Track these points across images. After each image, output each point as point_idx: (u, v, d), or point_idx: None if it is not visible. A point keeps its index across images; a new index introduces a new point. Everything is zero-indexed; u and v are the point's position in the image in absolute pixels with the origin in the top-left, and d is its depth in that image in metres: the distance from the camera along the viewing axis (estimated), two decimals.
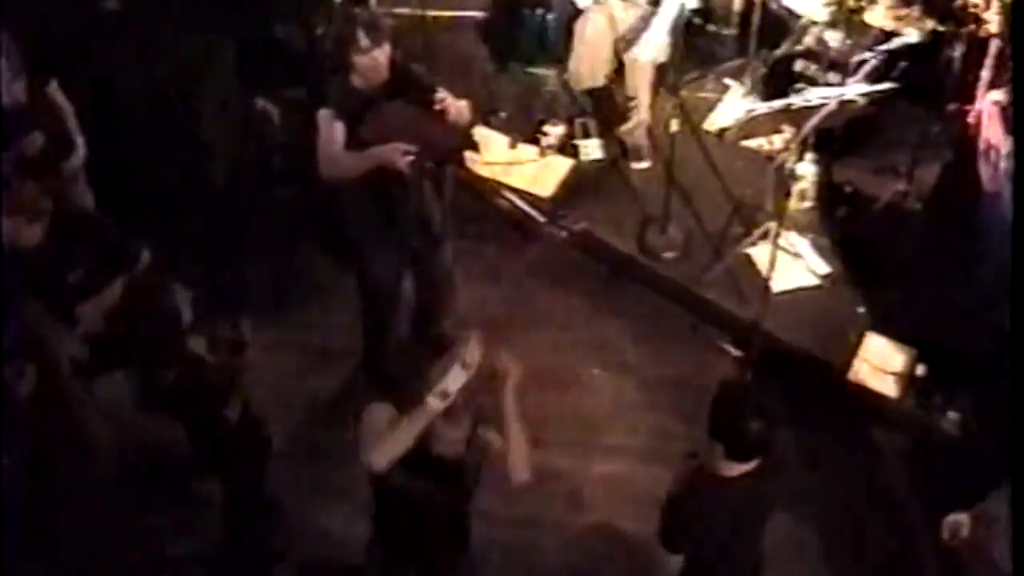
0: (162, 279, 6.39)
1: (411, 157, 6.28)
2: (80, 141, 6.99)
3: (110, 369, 6.16)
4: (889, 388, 7.11)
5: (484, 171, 8.34)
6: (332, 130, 6.35)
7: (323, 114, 6.38)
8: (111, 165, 7.39)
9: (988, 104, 6.93)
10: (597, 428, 7.28)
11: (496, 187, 8.39)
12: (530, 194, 8.36)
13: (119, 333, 6.04)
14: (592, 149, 8.59)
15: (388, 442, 4.73)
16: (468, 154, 7.21)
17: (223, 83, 8.24)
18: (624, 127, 8.48)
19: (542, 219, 8.24)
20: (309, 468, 6.95)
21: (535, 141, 8.62)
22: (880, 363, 7.16)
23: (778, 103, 7.23)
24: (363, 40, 6.26)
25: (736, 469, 4.72)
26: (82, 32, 7.84)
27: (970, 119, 7.19)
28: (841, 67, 7.91)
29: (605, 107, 8.81)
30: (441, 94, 6.46)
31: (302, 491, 6.84)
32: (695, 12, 9.02)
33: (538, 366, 6.96)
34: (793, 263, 7.70)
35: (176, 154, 8.00)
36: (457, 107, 6.52)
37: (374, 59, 6.31)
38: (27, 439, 5.62)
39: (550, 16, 8.63)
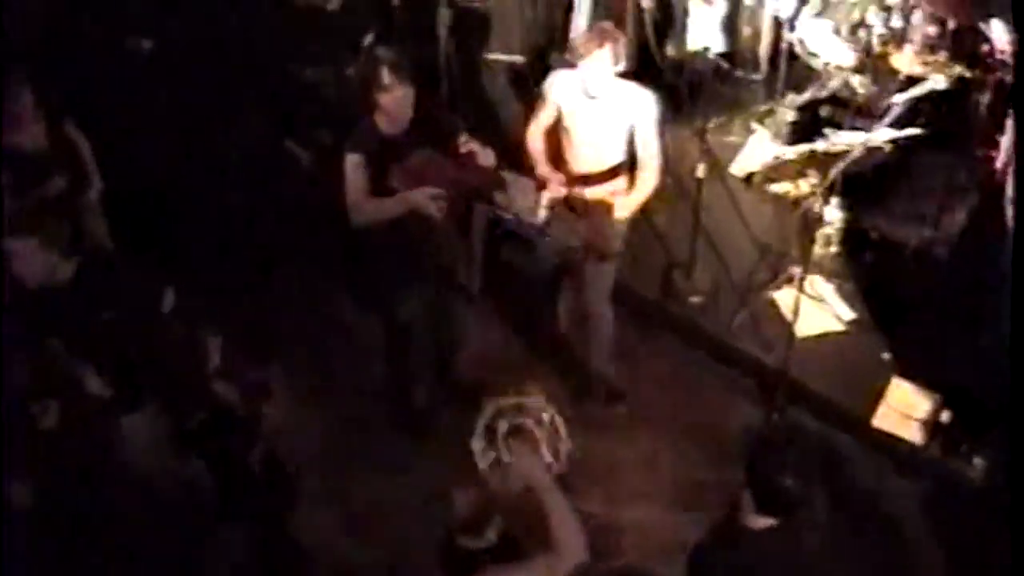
0: (188, 321, 6.42)
1: (441, 202, 6.32)
2: (96, 177, 7.05)
3: (135, 409, 6.18)
4: (914, 434, 7.08)
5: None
6: (359, 176, 6.38)
7: (351, 159, 6.40)
8: (138, 206, 7.45)
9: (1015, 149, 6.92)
10: (624, 473, 7.26)
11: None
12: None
13: (144, 374, 6.07)
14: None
15: None
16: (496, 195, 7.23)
17: (252, 125, 8.29)
18: None
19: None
20: (334, 511, 6.96)
21: None
22: (905, 409, 7.13)
23: (804, 148, 7.24)
24: (387, 78, 6.29)
25: (766, 523, 4.68)
26: (115, 72, 7.92)
27: (997, 165, 7.19)
28: (868, 112, 7.92)
29: None
30: (465, 138, 6.49)
31: (327, 533, 6.84)
32: (722, 56, 9.06)
33: (562, 411, 6.98)
34: (818, 308, 7.68)
35: (205, 196, 8.05)
36: (483, 151, 6.56)
37: (398, 98, 6.33)
38: (50, 474, 5.65)
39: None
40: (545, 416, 4.82)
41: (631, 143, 6.98)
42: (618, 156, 7.03)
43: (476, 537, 4.77)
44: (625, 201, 7.04)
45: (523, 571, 4.80)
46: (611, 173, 7.06)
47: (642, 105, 6.89)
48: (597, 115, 6.88)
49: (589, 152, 7.04)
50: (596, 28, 6.99)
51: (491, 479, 4.74)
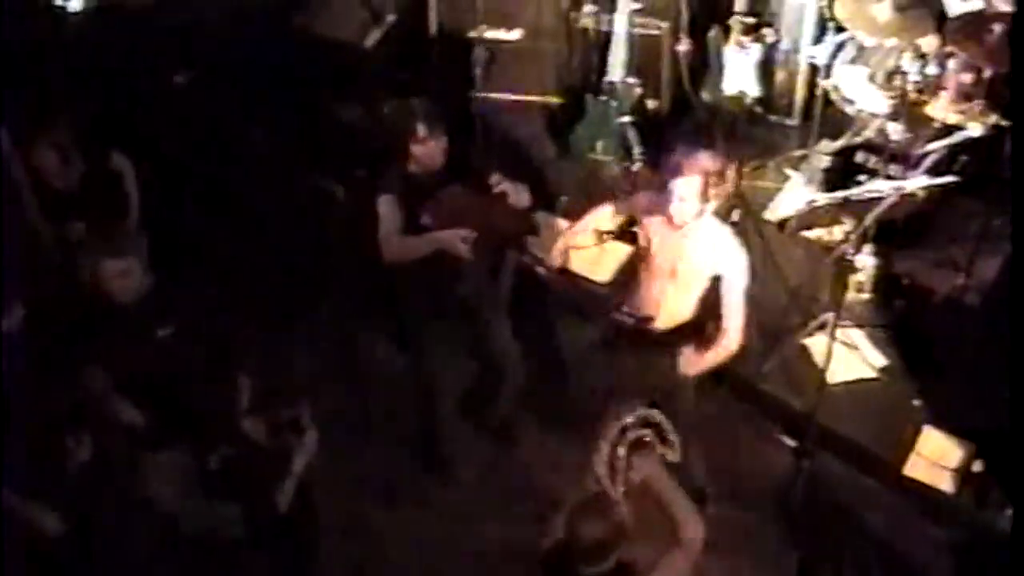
0: (220, 357, 6.45)
1: (470, 243, 6.36)
2: (136, 208, 7.11)
3: (166, 444, 6.19)
4: (946, 483, 7.04)
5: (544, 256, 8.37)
6: (393, 214, 6.45)
7: (384, 199, 6.48)
8: (171, 241, 7.49)
9: None
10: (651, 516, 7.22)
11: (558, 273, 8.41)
12: (588, 279, 8.37)
13: (176, 408, 6.09)
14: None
15: None
16: (529, 238, 7.24)
17: (287, 161, 8.34)
18: None
19: (607, 305, 8.22)
20: (360, 548, 6.95)
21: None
22: (937, 458, 7.09)
23: (839, 194, 7.22)
24: (421, 130, 6.38)
25: None
26: (150, 105, 7.98)
27: None
28: (902, 159, 7.90)
29: None
30: (496, 177, 6.53)
31: (352, 572, 6.82)
32: (756, 101, 9.07)
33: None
34: (850, 355, 7.65)
35: (239, 231, 8.09)
36: (515, 190, 6.59)
37: (431, 149, 6.44)
38: (83, 505, 5.67)
39: (612, 103, 8.67)
40: (658, 418, 5.27)
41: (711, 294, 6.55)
42: (689, 305, 6.61)
43: (600, 564, 4.99)
44: (695, 359, 6.66)
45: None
46: (684, 327, 6.65)
47: (732, 260, 6.40)
48: (678, 248, 6.44)
49: (661, 285, 6.56)
50: (690, 152, 6.28)
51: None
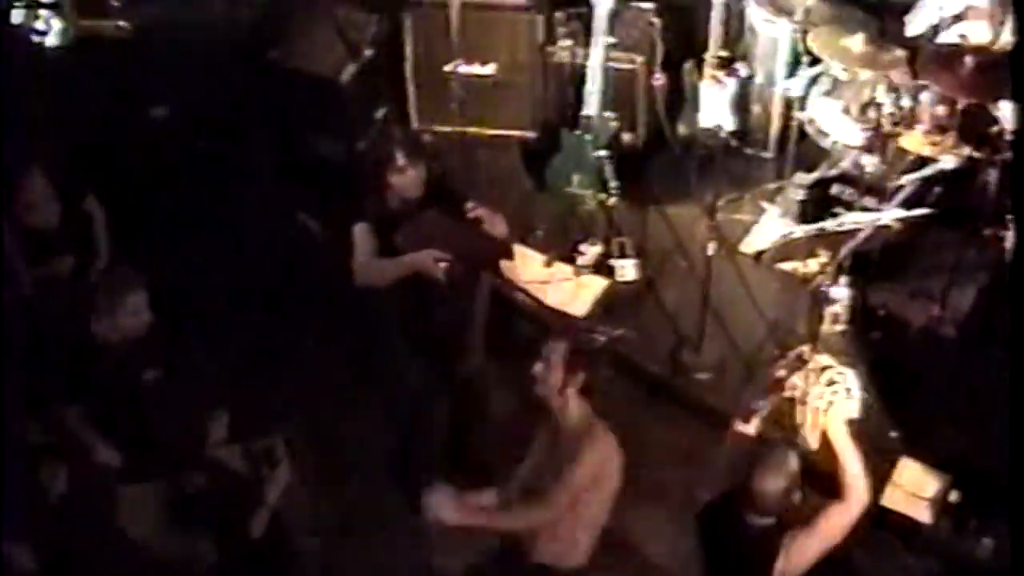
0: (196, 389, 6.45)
1: (445, 264, 6.37)
2: (105, 251, 7.10)
3: (141, 478, 6.17)
4: (923, 514, 7.05)
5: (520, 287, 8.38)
6: (367, 241, 6.49)
7: (360, 227, 6.52)
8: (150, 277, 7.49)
9: None
10: (634, 548, 7.22)
11: (533, 303, 8.42)
12: (564, 313, 8.38)
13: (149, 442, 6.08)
14: (627, 270, 8.60)
15: None
16: (504, 263, 7.24)
17: (263, 195, 8.34)
18: None
19: (579, 326, 8.24)
20: None
21: (571, 260, 8.65)
22: (914, 489, 7.10)
23: (814, 227, 7.25)
24: (401, 160, 6.41)
25: None
26: (126, 139, 7.99)
27: (1006, 244, 7.19)
28: (877, 191, 7.94)
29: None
30: (472, 204, 6.56)
31: None
32: (732, 134, 9.10)
33: None
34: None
35: (215, 266, 8.08)
36: (491, 217, 6.61)
37: (410, 178, 6.48)
38: (57, 539, 5.65)
39: (588, 137, 8.70)
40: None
41: None
42: None
43: (770, 513, 5.45)
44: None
45: (822, 526, 5.47)
46: None
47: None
48: None
49: None
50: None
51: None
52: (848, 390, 6.14)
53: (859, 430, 5.87)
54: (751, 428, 5.90)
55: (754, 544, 5.50)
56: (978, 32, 7.91)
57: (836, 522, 5.51)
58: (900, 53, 7.96)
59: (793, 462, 5.49)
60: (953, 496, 7.02)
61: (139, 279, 6.16)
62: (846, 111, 8.21)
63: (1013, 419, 5.14)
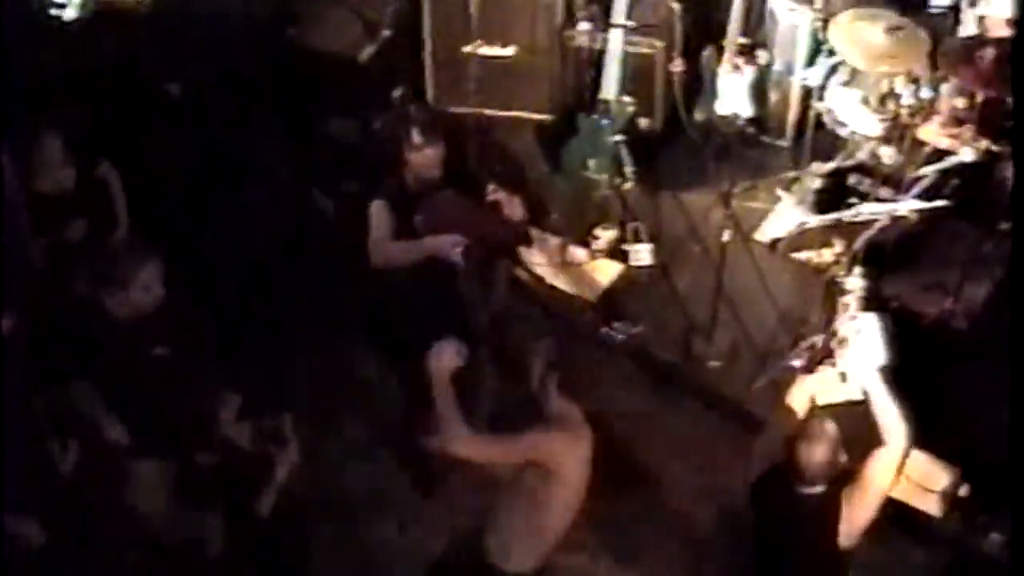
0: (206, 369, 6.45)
1: (463, 249, 6.34)
2: (124, 219, 7.09)
3: (152, 456, 6.17)
4: (932, 507, 7.03)
5: (535, 271, 8.37)
6: (383, 220, 6.44)
7: (376, 204, 6.48)
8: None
9: None
10: (635, 535, 7.21)
11: (548, 288, 8.40)
12: (577, 297, 8.37)
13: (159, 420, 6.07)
14: (642, 255, 8.59)
15: None
16: (522, 249, 7.22)
17: (278, 173, 8.33)
18: None
19: (597, 322, 8.23)
20: (346, 565, 6.92)
21: (585, 244, 8.64)
22: (923, 481, 7.07)
23: (830, 217, 7.24)
24: (417, 138, 6.37)
25: None
26: (141, 116, 7.97)
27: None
28: (894, 183, 7.92)
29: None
30: (492, 187, 6.53)
31: None
32: (749, 121, 9.08)
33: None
34: (838, 378, 7.64)
35: (229, 243, 8.07)
36: (510, 201, 6.58)
37: (427, 157, 6.43)
38: (70, 513, 5.65)
39: (605, 121, 8.68)
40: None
41: None
42: None
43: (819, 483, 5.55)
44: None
45: (871, 476, 5.55)
46: None
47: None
48: None
49: None
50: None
51: None
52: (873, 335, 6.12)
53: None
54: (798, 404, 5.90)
55: (810, 514, 5.58)
56: (1001, 7, 7.88)
57: (883, 467, 5.55)
58: (922, 40, 7.90)
59: (831, 429, 5.58)
60: (963, 490, 7.00)
61: (153, 253, 6.14)
62: (864, 101, 8.18)
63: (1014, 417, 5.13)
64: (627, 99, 8.79)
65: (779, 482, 5.65)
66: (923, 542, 7.05)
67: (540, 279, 8.34)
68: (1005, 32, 7.85)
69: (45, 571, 5.61)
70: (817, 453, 5.50)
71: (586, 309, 8.27)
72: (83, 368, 5.99)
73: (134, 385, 6.02)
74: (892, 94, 7.99)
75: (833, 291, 7.32)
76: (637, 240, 8.65)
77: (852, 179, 8.24)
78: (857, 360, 6.04)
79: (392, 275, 6.64)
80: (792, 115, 9.11)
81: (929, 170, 7.90)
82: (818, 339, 7.15)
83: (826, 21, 8.35)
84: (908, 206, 7.22)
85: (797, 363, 7.06)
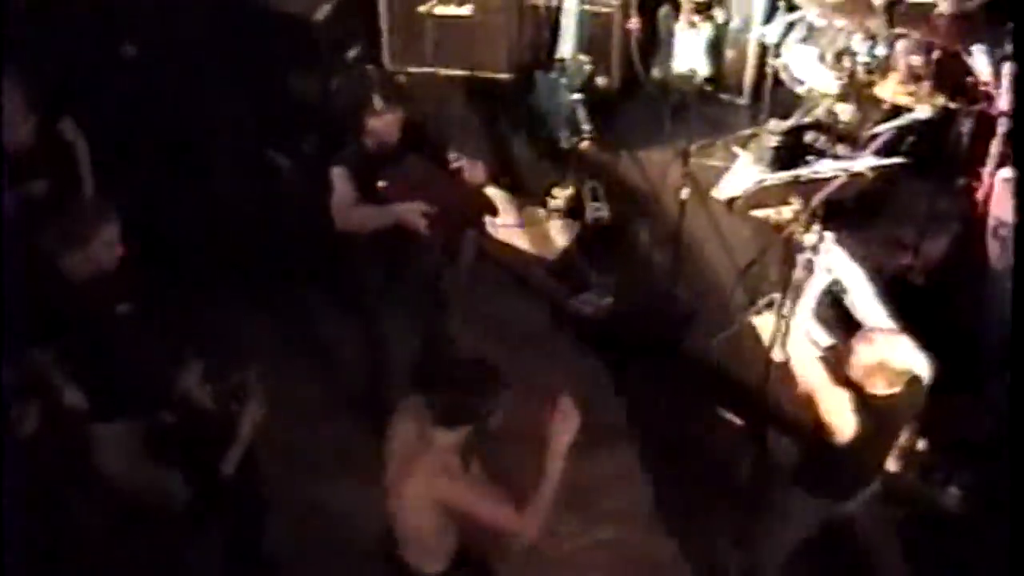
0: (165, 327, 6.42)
1: (429, 218, 6.32)
2: (89, 179, 7.02)
3: (113, 417, 6.14)
4: (889, 463, 7.08)
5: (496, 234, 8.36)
6: (345, 185, 6.40)
7: (337, 171, 6.44)
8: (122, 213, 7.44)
9: (998, 180, 6.95)
10: (597, 493, 7.23)
11: (513, 254, 8.40)
12: (536, 256, 8.38)
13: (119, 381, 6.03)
14: (599, 213, 8.59)
15: None
16: (487, 218, 7.20)
17: (235, 133, 8.28)
18: None
19: (564, 292, 8.22)
20: (308, 524, 6.93)
21: (543, 203, 8.64)
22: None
23: (787, 174, 7.25)
24: (378, 103, 6.34)
25: None
26: (98, 77, 7.90)
27: (978, 195, 7.21)
28: (851, 139, 7.96)
29: None
30: (455, 154, 6.51)
31: (301, 548, 6.80)
32: (706, 79, 9.09)
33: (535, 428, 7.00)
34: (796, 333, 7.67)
35: (187, 203, 8.03)
36: (472, 166, 6.57)
37: (387, 123, 6.40)
38: (30, 478, 5.62)
39: (562, 80, 8.67)
40: None
41: None
42: None
43: None
44: None
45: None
46: None
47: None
48: None
49: None
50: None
51: None
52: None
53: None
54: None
55: None
56: None
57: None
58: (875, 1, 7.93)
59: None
60: (920, 444, 7.05)
61: (112, 210, 6.09)
62: (821, 59, 8.22)
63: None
64: (584, 58, 8.81)
65: None
66: (881, 496, 7.09)
67: (500, 241, 8.34)
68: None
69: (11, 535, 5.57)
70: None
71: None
72: (43, 331, 5.94)
73: (96, 345, 5.97)
74: (849, 51, 8.01)
75: (791, 248, 7.34)
76: (595, 199, 8.65)
77: (809, 136, 8.28)
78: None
79: (354, 238, 6.61)
80: (749, 72, 9.13)
81: (886, 127, 7.93)
82: (776, 295, 7.18)
83: None
84: (866, 163, 7.24)
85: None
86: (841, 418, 5.53)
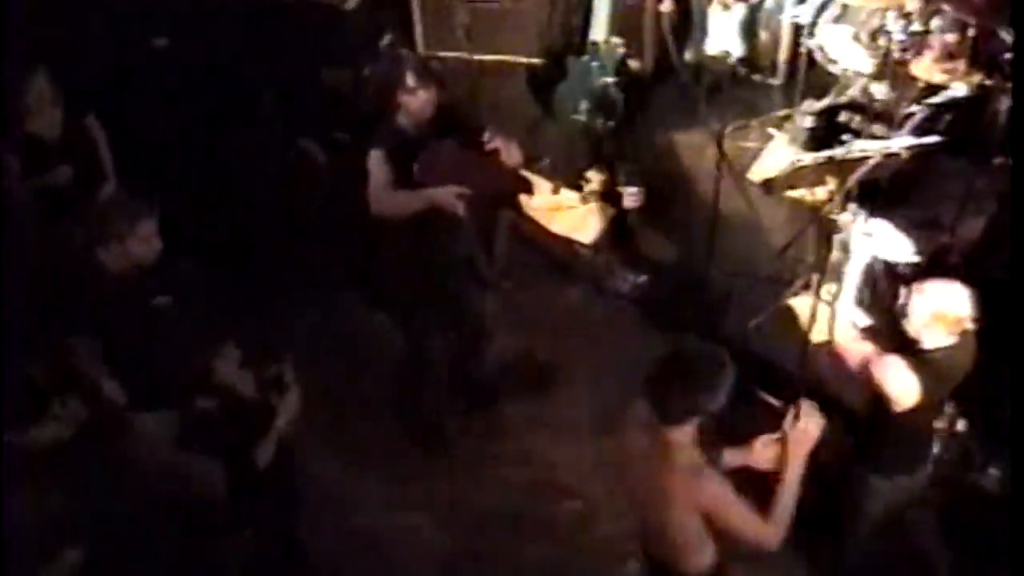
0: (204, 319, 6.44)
1: (466, 201, 6.31)
2: (111, 172, 7.06)
3: (153, 407, 6.16)
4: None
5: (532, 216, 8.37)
6: (382, 170, 6.38)
7: (374, 155, 6.41)
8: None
9: None
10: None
11: (549, 236, 8.40)
12: (571, 240, 8.37)
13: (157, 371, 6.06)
14: (634, 197, 8.57)
15: None
16: (522, 198, 7.19)
17: (268, 125, 8.29)
18: None
19: (603, 271, 8.23)
20: (342, 517, 6.95)
21: (578, 187, 8.63)
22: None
23: (822, 154, 7.22)
24: (411, 80, 6.32)
25: None
26: (130, 68, 7.92)
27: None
28: (886, 119, 7.91)
29: None
30: (489, 134, 6.49)
31: (334, 541, 6.82)
32: (740, 61, 9.06)
33: (579, 416, 7.02)
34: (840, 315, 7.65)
35: (221, 194, 8.05)
36: (508, 148, 6.55)
37: (421, 99, 6.37)
38: (73, 469, 5.65)
39: (595, 64, 8.65)
40: None
41: None
42: None
43: None
44: None
45: None
46: None
47: None
48: None
49: None
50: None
51: None
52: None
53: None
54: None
55: None
56: None
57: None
58: None
59: None
60: (960, 426, 7.02)
61: (149, 205, 6.12)
62: (856, 38, 8.18)
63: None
64: (617, 41, 8.76)
65: None
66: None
67: (538, 224, 8.33)
68: None
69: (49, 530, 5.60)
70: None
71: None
72: (81, 324, 5.97)
73: (134, 337, 6.00)
74: (883, 30, 7.97)
75: (827, 229, 7.31)
76: (629, 182, 8.62)
77: (844, 116, 8.22)
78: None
79: (390, 225, 6.59)
80: (783, 53, 9.10)
81: (921, 106, 7.88)
82: (813, 276, 7.16)
83: None
84: (901, 143, 7.21)
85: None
86: (900, 383, 5.50)
